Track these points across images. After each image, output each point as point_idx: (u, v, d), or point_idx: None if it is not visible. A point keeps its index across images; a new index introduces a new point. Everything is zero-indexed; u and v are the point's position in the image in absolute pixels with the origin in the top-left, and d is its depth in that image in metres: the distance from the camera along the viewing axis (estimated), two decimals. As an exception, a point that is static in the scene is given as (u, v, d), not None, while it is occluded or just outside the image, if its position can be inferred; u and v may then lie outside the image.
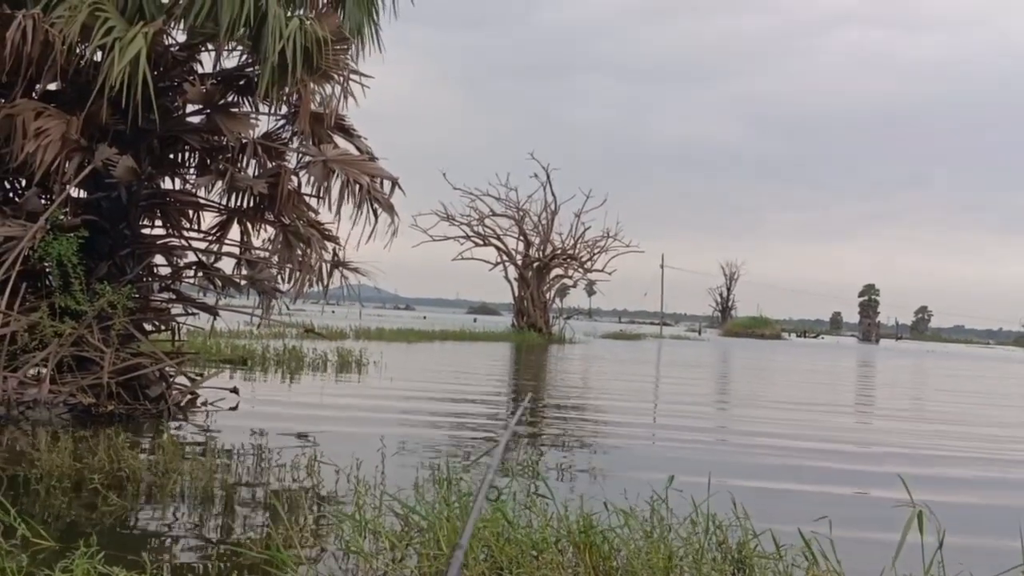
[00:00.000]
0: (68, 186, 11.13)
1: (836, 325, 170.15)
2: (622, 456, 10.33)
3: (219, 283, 13.13)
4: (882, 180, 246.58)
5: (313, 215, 12.98)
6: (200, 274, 13.23)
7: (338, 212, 12.40)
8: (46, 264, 10.98)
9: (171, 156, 12.97)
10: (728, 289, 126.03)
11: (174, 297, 13.25)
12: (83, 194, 11.92)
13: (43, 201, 11.37)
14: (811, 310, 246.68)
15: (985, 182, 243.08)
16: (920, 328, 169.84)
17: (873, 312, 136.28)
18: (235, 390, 13.05)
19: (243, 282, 12.98)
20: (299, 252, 12.53)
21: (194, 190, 13.00)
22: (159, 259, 13.07)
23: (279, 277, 12.84)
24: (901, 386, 29.54)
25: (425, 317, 74.55)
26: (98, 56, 10.85)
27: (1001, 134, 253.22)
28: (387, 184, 12.88)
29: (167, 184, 13.11)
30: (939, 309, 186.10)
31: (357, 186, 12.25)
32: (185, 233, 13.29)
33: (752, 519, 4.98)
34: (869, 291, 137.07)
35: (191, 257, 13.21)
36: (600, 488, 7.50)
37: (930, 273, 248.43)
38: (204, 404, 12.28)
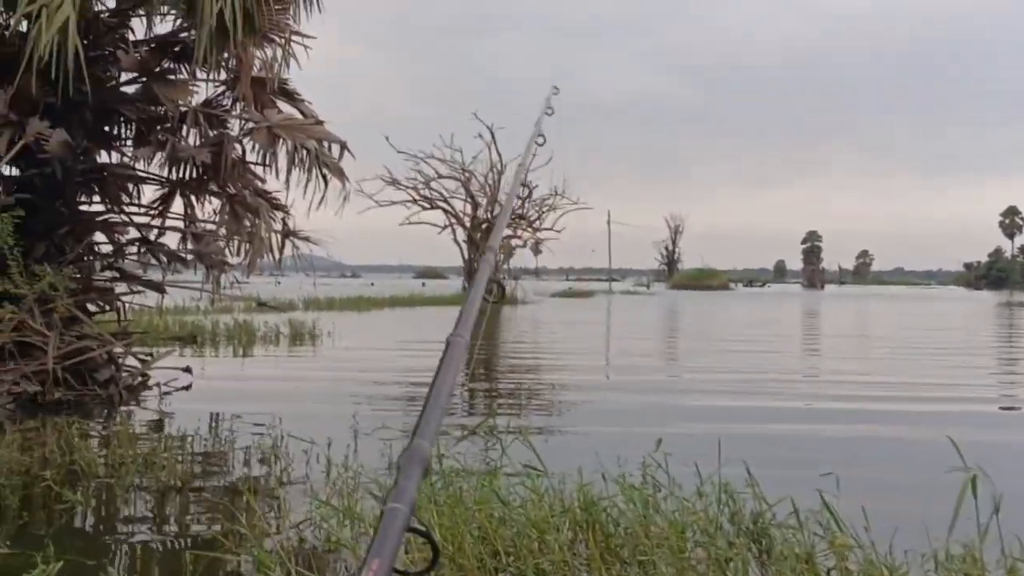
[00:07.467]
0: (-1, 164, 10.54)
1: (781, 273, 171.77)
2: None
3: (164, 259, 12.54)
4: (812, 128, 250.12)
5: (260, 184, 12.49)
6: (144, 250, 12.65)
7: (287, 179, 11.91)
8: (-21, 247, 10.38)
9: (106, 128, 12.32)
10: (673, 242, 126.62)
11: (118, 275, 12.67)
12: (15, 172, 11.29)
13: (-28, 181, 10.76)
14: (755, 259, 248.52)
15: (905, 129, 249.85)
16: (862, 272, 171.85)
17: (816, 259, 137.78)
18: (188, 369, 12.54)
19: (190, 257, 12.45)
20: (247, 223, 12.03)
21: (133, 163, 12.39)
22: (100, 237, 12.47)
23: (227, 250, 12.35)
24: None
25: (373, 284, 73.68)
26: (24, 25, 10.23)
27: (919, 85, 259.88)
28: (335, 148, 12.41)
29: (104, 158, 12.47)
30: (879, 253, 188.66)
31: (304, 151, 11.77)
32: (126, 208, 12.67)
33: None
34: (812, 238, 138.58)
35: (133, 233, 12.64)
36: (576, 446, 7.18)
37: (866, 217, 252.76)
38: (156, 386, 11.78)
